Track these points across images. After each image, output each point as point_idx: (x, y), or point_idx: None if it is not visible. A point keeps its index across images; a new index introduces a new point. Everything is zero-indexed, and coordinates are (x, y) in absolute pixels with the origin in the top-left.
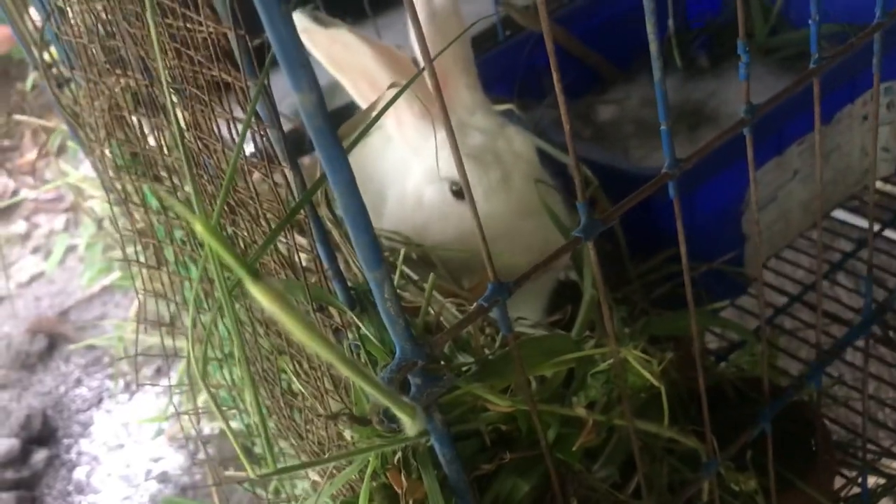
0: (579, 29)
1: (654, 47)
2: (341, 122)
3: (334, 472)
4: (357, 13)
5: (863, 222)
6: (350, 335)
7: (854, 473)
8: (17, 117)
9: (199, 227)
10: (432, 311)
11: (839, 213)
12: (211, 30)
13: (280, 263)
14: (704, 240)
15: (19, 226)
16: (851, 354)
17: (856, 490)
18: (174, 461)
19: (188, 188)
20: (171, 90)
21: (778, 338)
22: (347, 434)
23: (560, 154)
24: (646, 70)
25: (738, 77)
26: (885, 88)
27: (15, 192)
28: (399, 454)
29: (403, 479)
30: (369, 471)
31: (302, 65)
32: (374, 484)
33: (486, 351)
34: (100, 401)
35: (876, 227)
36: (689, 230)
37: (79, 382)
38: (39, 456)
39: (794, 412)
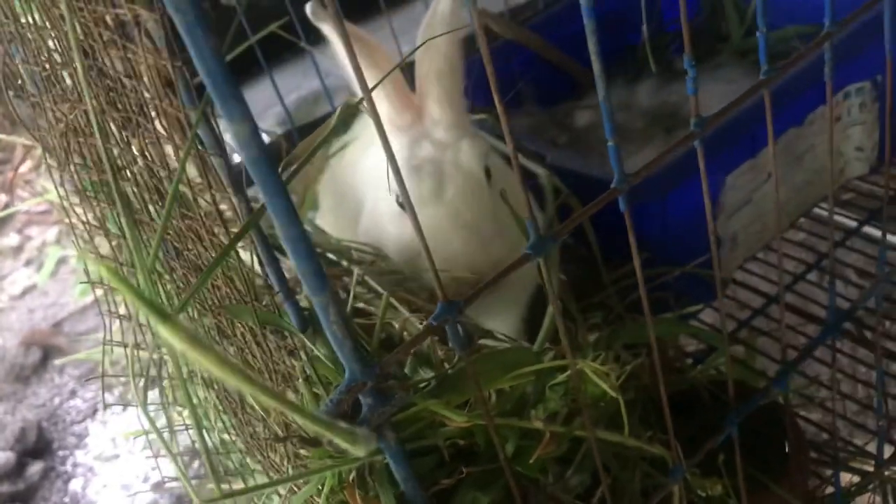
0: (555, 35)
1: (597, 66)
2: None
3: (295, 489)
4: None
5: (844, 219)
6: (304, 356)
7: (829, 472)
8: (2, 137)
9: (104, 273)
10: (395, 326)
11: (820, 209)
12: (150, 62)
13: (231, 284)
14: (679, 243)
15: (11, 238)
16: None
17: (831, 489)
18: (169, 471)
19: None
20: (113, 119)
21: (755, 339)
22: (303, 452)
23: (530, 164)
24: (622, 75)
25: (713, 79)
26: (857, 89)
27: (7, 205)
28: (354, 472)
29: (359, 498)
30: (326, 489)
31: (233, 97)
32: (333, 500)
33: (447, 365)
34: (94, 412)
35: (855, 224)
36: (663, 234)
37: (73, 394)
38: (35, 468)
39: (768, 413)
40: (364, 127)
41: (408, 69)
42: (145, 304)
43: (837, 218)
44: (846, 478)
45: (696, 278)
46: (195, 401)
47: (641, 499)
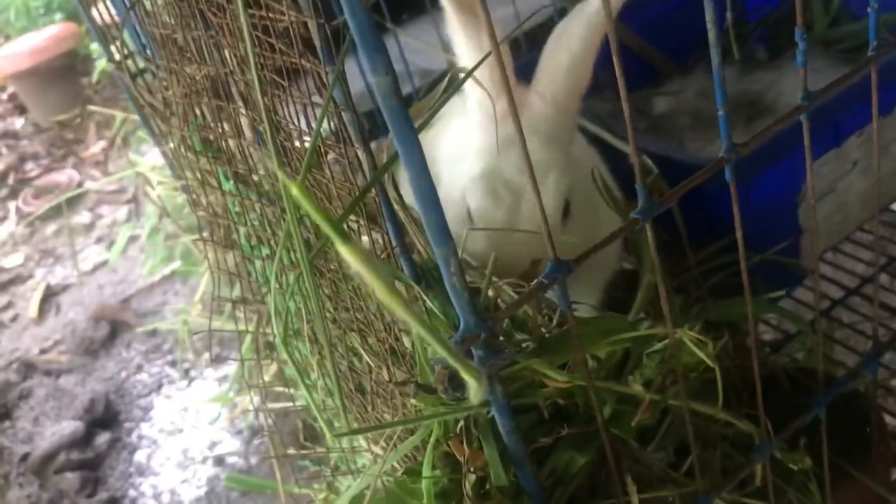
0: (636, 23)
1: (712, 35)
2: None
3: (397, 442)
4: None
5: None
6: (416, 309)
7: None
8: (90, 107)
9: (294, 191)
10: (491, 292)
11: None
12: (293, 18)
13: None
14: (760, 230)
15: (83, 216)
16: None
17: None
18: (230, 445)
19: (269, 164)
20: (252, 75)
21: (834, 330)
22: (411, 406)
23: (619, 142)
24: (702, 63)
25: (795, 69)
26: None
27: (80, 184)
28: (461, 424)
29: (465, 447)
30: (432, 439)
31: (378, 49)
32: (437, 452)
33: (543, 330)
34: (160, 386)
35: None
36: (744, 221)
37: (140, 368)
38: (102, 438)
39: (850, 402)
40: (448, 103)
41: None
42: (328, 221)
43: None
44: None
45: (774, 267)
46: (297, 358)
47: (723, 477)
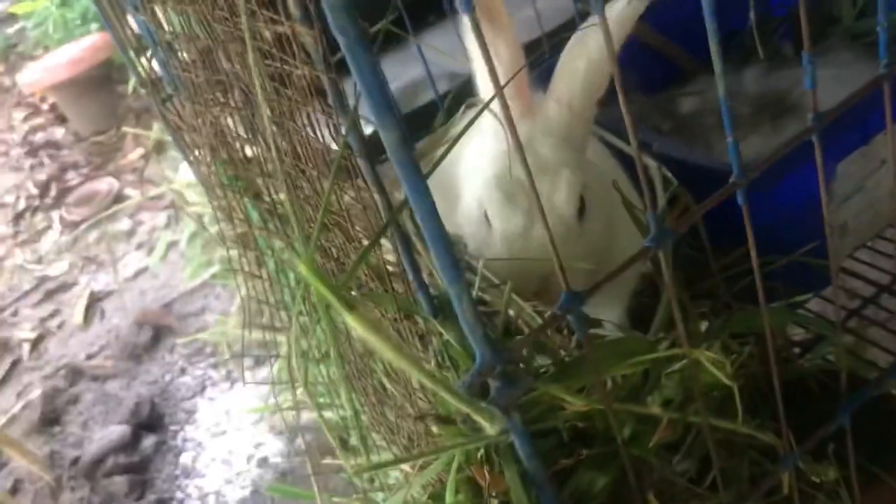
0: (660, 22)
1: (715, 53)
2: (421, 120)
3: (423, 465)
4: (438, 12)
5: None
6: (434, 341)
7: None
8: (125, 128)
9: (302, 269)
10: (511, 314)
11: None
12: (305, 73)
13: (369, 276)
14: (789, 231)
15: (124, 223)
16: None
17: None
18: (274, 447)
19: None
20: (270, 122)
21: (866, 329)
22: (435, 429)
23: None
24: (728, 62)
25: (823, 64)
26: None
27: (119, 192)
28: (482, 450)
29: (486, 473)
30: (454, 465)
31: (387, 108)
32: (460, 477)
33: (563, 352)
34: (203, 389)
35: None
36: (773, 221)
37: (183, 372)
38: (149, 441)
39: (879, 405)
40: (468, 115)
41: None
42: (335, 294)
43: None
44: None
45: (803, 267)
46: (325, 379)
47: (749, 486)
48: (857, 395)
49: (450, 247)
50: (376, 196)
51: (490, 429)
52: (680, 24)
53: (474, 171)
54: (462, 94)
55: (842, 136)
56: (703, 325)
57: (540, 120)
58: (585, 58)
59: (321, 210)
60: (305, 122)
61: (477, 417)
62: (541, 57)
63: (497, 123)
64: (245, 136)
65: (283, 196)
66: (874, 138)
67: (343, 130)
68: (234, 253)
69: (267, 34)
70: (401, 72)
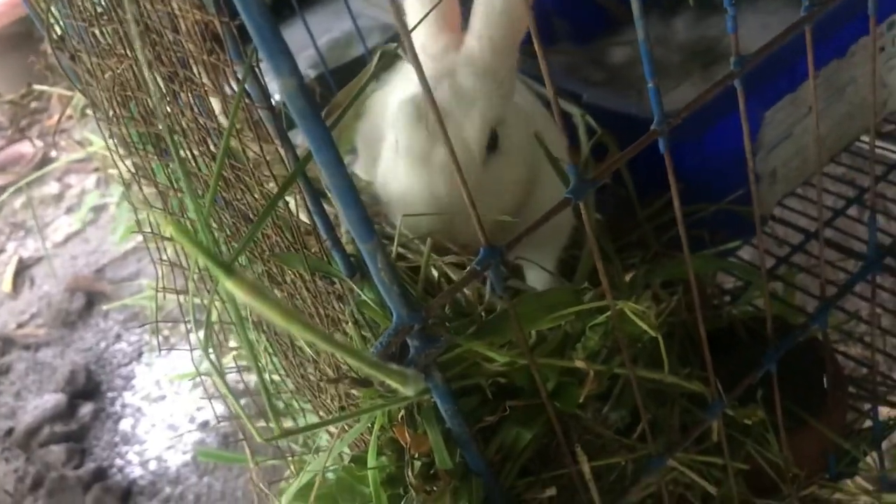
0: None
1: (636, 7)
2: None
3: (346, 427)
4: None
5: (886, 152)
6: (351, 300)
7: (868, 407)
8: (37, 87)
9: (174, 232)
10: (434, 272)
11: (861, 143)
12: (197, 17)
13: (282, 235)
14: (717, 179)
15: (52, 186)
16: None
17: (869, 423)
18: (217, 411)
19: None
20: (166, 74)
21: (795, 275)
22: (354, 392)
23: (564, 105)
24: (657, 9)
25: (752, 11)
26: None
27: (46, 154)
28: (403, 411)
29: (408, 434)
30: (376, 428)
31: (281, 51)
32: (383, 438)
33: (486, 308)
34: (140, 355)
35: None
36: (701, 171)
37: (118, 338)
38: (86, 409)
39: (807, 349)
40: (402, 63)
41: None
42: (210, 258)
43: (880, 151)
44: (885, 412)
45: (733, 215)
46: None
47: (681, 433)
48: (782, 342)
49: (359, 201)
50: (280, 149)
51: (403, 389)
52: None
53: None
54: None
55: (770, 83)
56: (636, 272)
57: (463, 51)
58: None
59: (217, 163)
60: (206, 72)
61: (390, 382)
62: None
63: (424, 56)
64: (147, 90)
65: (187, 153)
66: (802, 84)
67: (241, 75)
68: (143, 216)
69: None
70: (334, 23)
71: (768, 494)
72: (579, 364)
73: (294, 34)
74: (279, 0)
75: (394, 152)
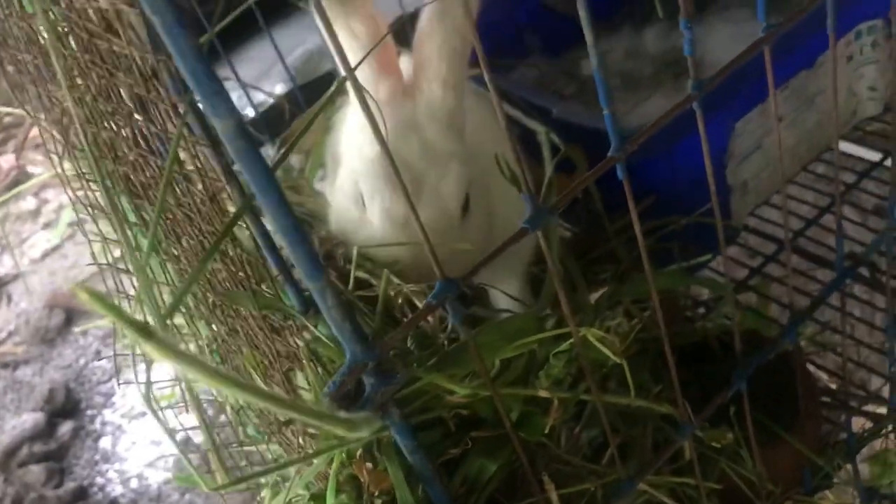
0: None
1: (589, 36)
2: (323, 89)
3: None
4: None
5: (865, 152)
6: (304, 337)
7: (843, 418)
8: (2, 108)
9: (83, 297)
10: (394, 299)
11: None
12: (135, 54)
13: (232, 271)
14: (688, 192)
15: (28, 202)
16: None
17: (844, 435)
18: (195, 424)
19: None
20: (110, 108)
21: (768, 286)
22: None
23: (528, 121)
24: (629, 21)
25: (722, 22)
26: (869, 27)
27: (21, 168)
28: (361, 449)
29: (366, 471)
30: (335, 466)
31: (216, 93)
32: (343, 475)
33: (446, 339)
34: (119, 372)
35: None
36: (672, 184)
37: (98, 354)
38: (65, 428)
39: (780, 362)
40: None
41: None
42: (127, 323)
43: (856, 155)
44: (860, 423)
45: (706, 227)
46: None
47: (653, 453)
48: (752, 360)
49: (306, 240)
50: (227, 185)
51: (351, 435)
52: None
53: (352, 148)
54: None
55: (739, 94)
56: (603, 291)
57: (423, 102)
58: (443, 29)
59: (157, 204)
60: (146, 108)
61: (337, 431)
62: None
63: (391, 114)
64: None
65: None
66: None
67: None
68: (97, 247)
69: (90, 12)
70: (309, 35)
71: None
72: (543, 393)
73: (267, 48)
74: (250, 14)
75: (359, 205)
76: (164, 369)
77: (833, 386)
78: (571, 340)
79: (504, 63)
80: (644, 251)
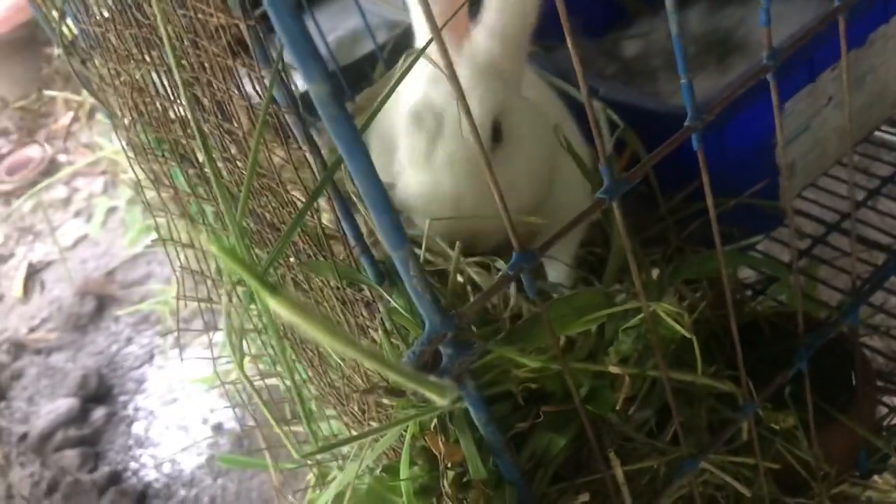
0: None
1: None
2: (361, 71)
3: (378, 437)
4: None
5: None
6: (381, 308)
7: None
8: (47, 92)
9: (216, 251)
10: (460, 277)
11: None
12: (222, 21)
13: (308, 241)
14: (737, 173)
15: (59, 191)
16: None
17: None
18: (229, 412)
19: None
20: (188, 77)
21: (817, 268)
22: (385, 401)
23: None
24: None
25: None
26: None
27: (53, 158)
28: (436, 420)
29: (441, 443)
30: (408, 438)
31: (312, 56)
32: (415, 448)
33: (514, 313)
34: (151, 358)
35: None
36: (721, 165)
37: (130, 341)
38: (98, 413)
39: (834, 345)
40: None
41: None
42: (253, 276)
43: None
44: None
45: (752, 209)
46: (271, 351)
47: (707, 433)
48: (813, 339)
49: (390, 208)
50: (308, 155)
51: (440, 400)
52: None
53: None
54: (401, 43)
55: (789, 74)
56: (665, 269)
57: (466, 48)
58: None
59: (247, 175)
60: (227, 77)
61: (426, 393)
62: None
63: (428, 66)
64: (167, 95)
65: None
66: (821, 75)
67: (267, 83)
68: (162, 221)
69: None
70: (339, 22)
71: (798, 493)
72: (614, 369)
73: (322, 20)
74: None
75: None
76: (195, 356)
77: (884, 369)
78: (642, 315)
79: (546, 45)
80: (715, 226)
